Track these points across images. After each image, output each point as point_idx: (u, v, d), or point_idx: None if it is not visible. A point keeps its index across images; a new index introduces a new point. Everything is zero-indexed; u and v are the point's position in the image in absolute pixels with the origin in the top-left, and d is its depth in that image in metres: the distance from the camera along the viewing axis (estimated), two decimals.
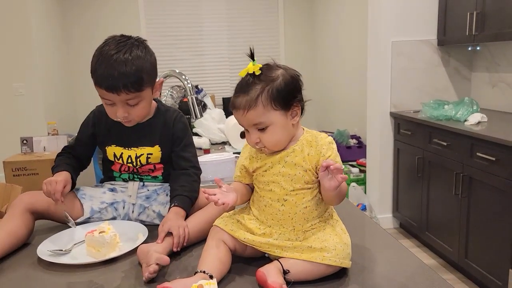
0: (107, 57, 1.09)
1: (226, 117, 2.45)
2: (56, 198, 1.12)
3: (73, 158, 1.29)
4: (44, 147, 3.52)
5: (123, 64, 1.08)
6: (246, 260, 0.97)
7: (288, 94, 0.91)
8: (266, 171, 0.96)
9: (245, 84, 0.91)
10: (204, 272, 0.85)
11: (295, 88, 0.93)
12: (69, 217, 1.17)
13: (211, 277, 0.84)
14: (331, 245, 0.89)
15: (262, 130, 0.91)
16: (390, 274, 0.93)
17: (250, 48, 0.93)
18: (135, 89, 1.11)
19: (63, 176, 1.17)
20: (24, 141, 3.51)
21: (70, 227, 1.18)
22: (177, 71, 1.78)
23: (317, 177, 0.93)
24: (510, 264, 2.16)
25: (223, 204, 0.89)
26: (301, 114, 0.95)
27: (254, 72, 0.91)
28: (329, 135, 0.98)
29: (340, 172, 0.85)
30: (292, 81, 0.92)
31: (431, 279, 0.89)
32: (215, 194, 0.90)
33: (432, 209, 2.95)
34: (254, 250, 0.95)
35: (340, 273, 0.90)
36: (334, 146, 0.96)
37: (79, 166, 1.31)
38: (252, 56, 0.92)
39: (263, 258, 0.96)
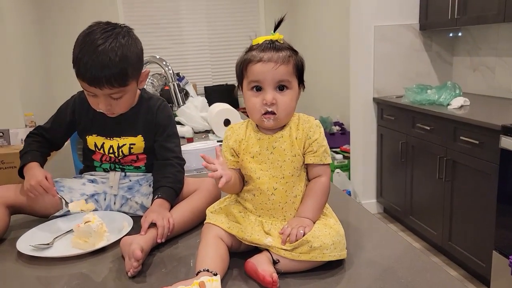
0: (91, 48, 1.01)
1: (209, 105, 2.40)
2: (53, 194, 1.10)
3: (45, 142, 1.24)
4: (22, 140, 3.42)
5: (107, 57, 1.01)
6: (240, 254, 0.92)
7: (303, 70, 0.92)
8: (253, 157, 0.93)
9: (271, 46, 0.89)
10: (208, 270, 0.80)
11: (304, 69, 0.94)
12: (63, 199, 1.14)
13: (215, 274, 0.79)
14: (329, 241, 0.84)
15: (282, 90, 0.89)
16: (379, 257, 0.91)
17: (275, 21, 0.93)
18: (119, 84, 1.05)
19: (39, 171, 1.13)
20: (0, 134, 3.41)
21: (48, 220, 1.14)
22: (158, 57, 1.72)
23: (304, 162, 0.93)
24: (493, 246, 2.20)
25: (220, 177, 0.82)
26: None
27: (277, 40, 0.90)
28: None
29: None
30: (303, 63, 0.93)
31: (420, 261, 0.88)
32: (214, 164, 0.84)
33: (416, 194, 2.97)
34: (248, 245, 0.91)
35: (329, 261, 0.87)
36: (322, 129, 0.94)
37: (49, 150, 1.25)
38: (275, 28, 0.92)
39: (257, 250, 0.90)
